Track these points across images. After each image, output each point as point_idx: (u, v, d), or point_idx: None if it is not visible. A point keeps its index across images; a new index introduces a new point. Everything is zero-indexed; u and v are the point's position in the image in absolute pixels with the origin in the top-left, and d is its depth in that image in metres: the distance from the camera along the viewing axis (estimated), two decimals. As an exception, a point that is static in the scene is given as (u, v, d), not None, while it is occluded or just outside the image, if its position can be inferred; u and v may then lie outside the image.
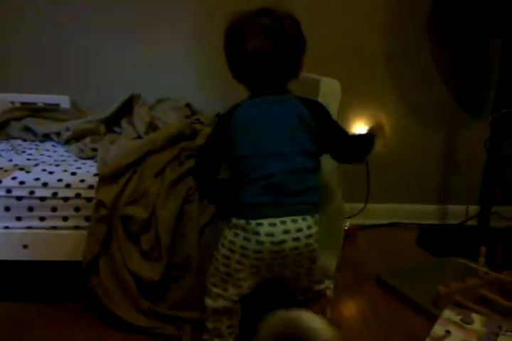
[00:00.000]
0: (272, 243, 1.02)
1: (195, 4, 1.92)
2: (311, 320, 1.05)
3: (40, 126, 1.71)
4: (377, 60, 2.03)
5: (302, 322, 1.04)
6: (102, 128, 1.68)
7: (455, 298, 1.38)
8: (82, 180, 1.31)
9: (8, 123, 1.73)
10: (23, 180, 1.29)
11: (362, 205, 2.11)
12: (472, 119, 2.11)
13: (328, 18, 1.97)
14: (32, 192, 1.28)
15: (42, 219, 1.30)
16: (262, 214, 1.02)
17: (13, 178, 1.29)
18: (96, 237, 1.26)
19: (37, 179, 1.30)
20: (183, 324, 1.25)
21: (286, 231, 1.02)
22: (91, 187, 1.29)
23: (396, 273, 1.61)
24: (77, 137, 1.62)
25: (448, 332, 1.18)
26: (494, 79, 1.97)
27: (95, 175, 1.32)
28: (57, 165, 1.38)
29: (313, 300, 1.16)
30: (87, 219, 1.29)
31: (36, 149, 1.57)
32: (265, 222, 1.02)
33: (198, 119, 1.68)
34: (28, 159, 1.44)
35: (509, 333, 1.18)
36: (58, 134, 1.67)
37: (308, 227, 1.05)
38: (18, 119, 1.74)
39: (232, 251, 1.05)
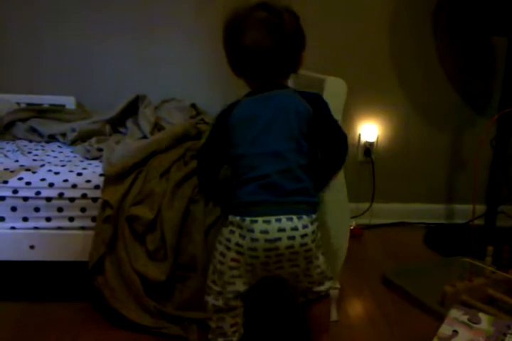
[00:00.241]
0: (266, 240, 1.01)
1: (200, 4, 1.92)
2: None
3: (46, 127, 1.72)
4: (382, 58, 2.03)
5: None
6: (108, 128, 1.68)
7: (462, 297, 1.37)
8: (88, 181, 1.31)
9: (14, 124, 1.74)
10: (29, 180, 1.29)
11: (368, 205, 2.11)
12: (478, 118, 2.10)
13: (334, 17, 1.97)
14: (38, 193, 1.28)
15: (48, 219, 1.30)
16: (258, 212, 1.02)
17: (20, 179, 1.29)
18: (102, 237, 1.26)
19: (43, 179, 1.30)
20: (189, 324, 1.25)
21: (281, 229, 1.01)
22: (97, 187, 1.29)
23: (402, 272, 1.60)
24: (82, 138, 1.62)
25: (455, 331, 1.17)
26: (499, 77, 1.97)
27: (101, 175, 1.33)
28: (63, 166, 1.38)
29: (313, 302, 1.16)
30: (93, 219, 1.30)
31: (42, 150, 1.58)
32: (260, 219, 1.01)
33: (202, 119, 1.68)
34: (34, 160, 1.44)
35: (517, 333, 1.17)
36: (64, 135, 1.67)
37: (304, 227, 1.04)
38: (23, 120, 1.74)
39: (228, 248, 1.05)
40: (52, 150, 1.58)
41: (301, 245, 1.04)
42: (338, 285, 1.32)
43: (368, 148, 2.08)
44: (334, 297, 1.33)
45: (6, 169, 1.33)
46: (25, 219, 1.29)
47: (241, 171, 1.07)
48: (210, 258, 1.13)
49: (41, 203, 1.29)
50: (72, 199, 1.29)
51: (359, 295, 1.52)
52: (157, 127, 1.64)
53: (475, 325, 1.18)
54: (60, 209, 1.29)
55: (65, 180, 1.30)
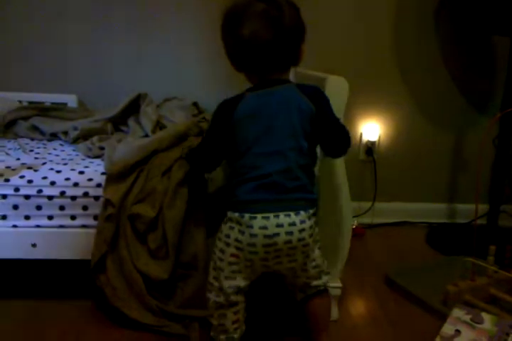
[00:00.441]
0: (265, 236, 1.03)
1: (201, 1, 1.92)
2: None
3: (48, 125, 1.71)
4: (384, 57, 2.02)
5: None
6: (109, 127, 1.67)
7: (464, 297, 1.37)
8: (90, 179, 1.31)
9: (16, 123, 1.74)
10: (31, 178, 1.29)
11: (370, 204, 2.10)
12: (481, 117, 2.09)
13: (336, 16, 1.97)
14: (40, 191, 1.28)
15: (50, 217, 1.30)
16: (257, 209, 1.04)
17: (21, 177, 1.29)
18: (104, 236, 1.26)
19: (45, 178, 1.30)
20: (191, 322, 1.25)
21: (279, 225, 1.03)
22: (99, 185, 1.29)
23: (405, 272, 1.60)
24: (84, 136, 1.62)
25: (458, 331, 1.17)
26: (500, 76, 1.96)
27: (103, 173, 1.32)
28: (65, 164, 1.38)
29: (313, 297, 1.16)
30: (95, 217, 1.29)
31: (44, 148, 1.58)
32: (259, 215, 1.03)
33: (204, 118, 1.68)
34: (36, 158, 1.44)
35: (520, 332, 1.17)
36: (66, 133, 1.67)
37: (302, 222, 1.05)
38: (25, 118, 1.74)
39: (227, 244, 1.07)
40: (54, 149, 1.57)
41: (299, 240, 1.05)
42: (340, 285, 1.32)
43: (370, 147, 2.08)
44: (336, 296, 1.33)
45: (7, 167, 1.33)
46: (27, 218, 1.29)
47: (242, 170, 1.07)
48: (211, 255, 1.14)
49: (43, 201, 1.28)
50: (73, 198, 1.29)
51: (361, 294, 1.52)
52: (159, 125, 1.64)
53: (478, 325, 1.18)
54: (61, 208, 1.29)
55: (67, 179, 1.30)
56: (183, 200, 1.29)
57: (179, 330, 1.24)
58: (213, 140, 1.14)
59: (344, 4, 1.96)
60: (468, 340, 1.15)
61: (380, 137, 2.09)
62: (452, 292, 1.37)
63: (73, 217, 1.30)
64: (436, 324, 1.26)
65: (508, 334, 1.16)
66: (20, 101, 1.87)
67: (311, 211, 1.08)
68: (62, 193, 1.29)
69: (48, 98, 1.91)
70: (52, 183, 1.29)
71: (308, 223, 1.06)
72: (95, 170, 1.35)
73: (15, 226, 1.29)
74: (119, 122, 1.71)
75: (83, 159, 1.45)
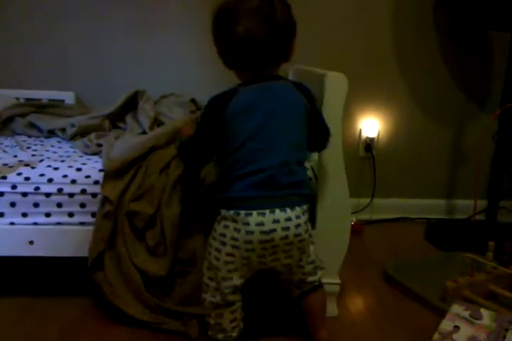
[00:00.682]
0: (262, 232, 1.02)
1: (202, 2, 1.91)
2: None
3: (45, 122, 1.71)
4: (384, 53, 2.02)
5: None
6: (107, 123, 1.67)
7: (463, 293, 1.37)
8: (88, 176, 1.30)
9: (13, 120, 1.73)
10: (28, 176, 1.28)
11: (368, 200, 2.10)
12: (480, 113, 2.09)
13: (335, 12, 1.96)
14: (37, 188, 1.27)
15: (47, 215, 1.29)
16: (252, 205, 1.03)
17: (19, 174, 1.29)
18: (102, 234, 1.25)
19: (42, 175, 1.29)
20: (189, 319, 1.25)
21: (275, 221, 1.03)
22: (96, 182, 1.29)
23: (403, 268, 1.60)
24: (82, 133, 1.61)
25: (457, 327, 1.17)
26: (498, 71, 1.97)
27: (100, 170, 1.32)
28: (63, 161, 1.37)
29: (308, 293, 1.17)
30: (93, 215, 1.29)
31: (41, 145, 1.57)
32: (254, 212, 1.03)
33: (202, 114, 1.67)
34: (33, 155, 1.44)
35: (519, 328, 1.17)
36: (63, 130, 1.66)
37: (297, 217, 1.05)
38: (22, 115, 1.74)
39: (223, 243, 1.06)
40: (52, 146, 1.57)
41: (295, 235, 1.05)
42: (338, 281, 1.32)
43: (369, 143, 2.08)
44: (334, 292, 1.33)
45: (4, 164, 1.32)
46: (24, 215, 1.29)
47: (237, 165, 1.06)
48: (205, 255, 1.13)
49: (40, 199, 1.28)
50: (71, 195, 1.29)
51: (360, 290, 1.51)
52: (156, 122, 1.63)
53: (476, 321, 1.18)
54: (59, 205, 1.29)
55: (65, 176, 1.30)
56: (181, 197, 1.28)
57: (178, 327, 1.23)
58: (204, 136, 1.13)
59: (344, 1, 1.95)
60: (467, 336, 1.15)
61: (379, 133, 2.09)
62: (451, 288, 1.37)
63: (71, 214, 1.30)
64: (435, 320, 1.26)
65: (506, 330, 1.16)
66: (17, 98, 1.86)
67: (305, 206, 1.09)
68: (60, 190, 1.28)
69: (45, 95, 1.91)
70: (50, 180, 1.28)
71: (303, 218, 1.07)
72: (93, 167, 1.34)
73: (12, 223, 1.29)
74: (116, 119, 1.71)
75: (81, 156, 1.45)
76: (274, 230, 1.03)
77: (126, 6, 1.92)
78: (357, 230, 1.94)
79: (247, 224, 1.03)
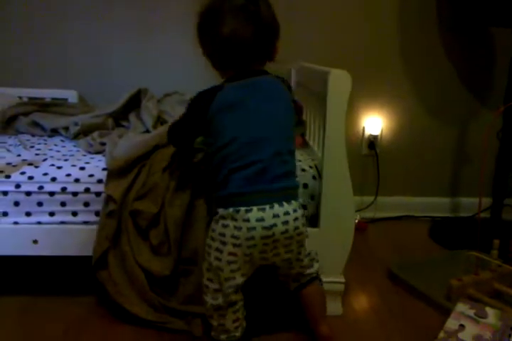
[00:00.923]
0: (263, 228, 1.03)
1: (202, 1, 1.90)
2: None
3: (48, 120, 1.71)
4: (387, 50, 2.01)
5: None
6: (110, 122, 1.67)
7: (468, 291, 1.36)
8: (91, 175, 1.30)
9: (16, 119, 1.73)
10: (31, 175, 1.28)
11: (372, 198, 2.10)
12: (484, 110, 2.08)
13: (338, 9, 1.96)
14: (41, 187, 1.27)
15: (51, 214, 1.29)
16: (251, 201, 1.04)
17: (22, 173, 1.29)
18: (106, 232, 1.25)
19: (45, 174, 1.29)
20: (193, 318, 1.25)
21: (275, 215, 1.04)
22: (100, 181, 1.29)
23: (408, 266, 1.59)
24: (85, 131, 1.61)
25: (462, 326, 1.17)
26: (501, 68, 1.96)
27: (104, 169, 1.31)
28: (66, 160, 1.37)
29: (306, 285, 1.17)
30: (97, 214, 1.29)
31: (45, 144, 1.57)
32: (254, 208, 1.03)
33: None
34: (37, 154, 1.43)
35: (524, 327, 1.16)
36: (66, 129, 1.66)
37: (294, 211, 1.07)
38: (26, 114, 1.74)
39: (223, 243, 1.05)
40: (55, 144, 1.57)
41: (295, 229, 1.07)
42: (342, 280, 1.32)
43: (372, 141, 2.07)
44: (339, 291, 1.32)
45: (8, 163, 1.32)
46: (28, 214, 1.29)
47: (228, 161, 1.07)
48: (204, 257, 1.12)
49: (44, 198, 1.28)
50: (75, 194, 1.28)
51: (364, 289, 1.51)
52: (160, 121, 1.63)
53: (482, 319, 1.18)
54: (63, 204, 1.29)
55: (68, 175, 1.29)
56: (184, 196, 1.28)
57: (182, 326, 1.23)
58: (187, 128, 1.20)
59: (349, 2, 1.95)
60: (473, 335, 1.14)
61: (382, 131, 2.08)
62: (456, 286, 1.36)
63: (74, 213, 1.30)
64: (440, 318, 1.26)
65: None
66: (20, 97, 1.86)
67: (300, 200, 1.11)
68: (64, 189, 1.28)
69: (48, 94, 1.91)
70: (53, 179, 1.28)
71: (299, 212, 1.08)
72: (96, 165, 1.34)
73: (16, 223, 1.29)
74: (120, 117, 1.70)
75: (84, 155, 1.44)
76: (275, 225, 1.04)
77: (127, 5, 1.92)
78: (361, 228, 1.94)
79: (248, 220, 1.03)
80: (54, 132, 1.69)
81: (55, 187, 1.28)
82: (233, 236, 1.04)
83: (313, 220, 1.32)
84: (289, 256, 1.11)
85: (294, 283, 1.18)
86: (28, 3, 1.89)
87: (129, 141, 1.42)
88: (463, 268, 1.45)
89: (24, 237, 1.28)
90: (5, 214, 1.28)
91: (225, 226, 1.05)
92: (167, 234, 1.26)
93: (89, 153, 1.47)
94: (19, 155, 1.41)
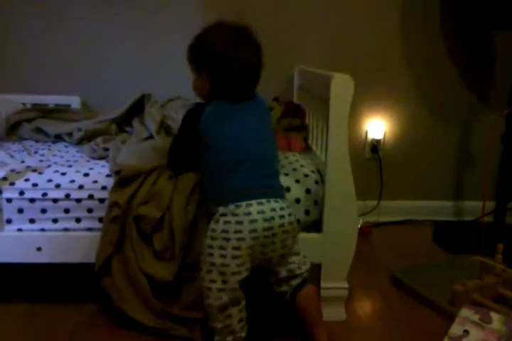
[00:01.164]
0: (264, 220, 1.09)
1: (205, 4, 1.91)
2: None
3: (52, 126, 1.71)
4: (390, 54, 2.01)
5: None
6: (114, 128, 1.67)
7: (472, 296, 1.36)
8: (95, 181, 1.30)
9: (20, 125, 1.74)
10: (35, 182, 1.28)
11: (375, 202, 2.09)
12: (487, 113, 2.08)
13: (342, 13, 1.96)
14: (45, 194, 1.28)
15: (55, 221, 1.29)
16: (250, 196, 1.10)
17: (26, 180, 1.29)
18: (109, 239, 1.25)
19: (50, 180, 1.29)
20: (195, 324, 1.24)
21: (272, 209, 1.11)
22: (104, 188, 1.29)
23: (411, 271, 1.59)
24: (88, 137, 1.62)
25: (466, 331, 1.16)
26: (504, 71, 1.98)
27: (108, 176, 1.32)
28: (70, 166, 1.37)
29: (300, 288, 1.18)
30: (100, 220, 1.29)
31: (48, 150, 1.57)
32: (253, 202, 1.10)
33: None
34: (41, 160, 1.44)
35: (529, 332, 1.16)
36: (70, 135, 1.67)
37: (287, 207, 1.15)
38: (29, 120, 1.74)
39: (227, 239, 1.09)
40: (59, 150, 1.57)
41: (290, 223, 1.14)
42: (346, 285, 1.31)
43: (375, 145, 2.07)
44: (343, 297, 1.32)
45: (12, 170, 1.32)
46: (32, 221, 1.29)
47: (224, 164, 1.15)
48: (203, 259, 1.13)
49: (48, 204, 1.28)
50: (78, 200, 1.29)
51: (368, 294, 1.51)
52: (163, 126, 1.63)
53: (486, 325, 1.17)
54: (66, 211, 1.29)
55: (72, 181, 1.30)
56: (191, 202, 1.28)
57: (184, 333, 1.23)
58: (183, 142, 1.27)
59: (352, 3, 1.95)
60: (477, 340, 1.14)
61: (385, 135, 2.08)
62: (460, 291, 1.36)
63: (78, 220, 1.30)
64: (444, 324, 1.26)
65: (517, 334, 1.15)
66: (23, 104, 1.87)
67: (286, 200, 1.19)
68: (67, 196, 1.28)
69: (51, 100, 1.92)
70: (57, 186, 1.28)
71: (290, 209, 1.16)
72: (100, 172, 1.34)
73: (20, 230, 1.29)
74: (123, 123, 1.71)
75: (88, 161, 1.45)
76: (273, 218, 1.10)
77: (131, 11, 1.92)
78: (364, 233, 1.94)
79: (249, 213, 1.09)
80: (58, 138, 1.70)
81: (59, 194, 1.28)
82: (236, 231, 1.08)
83: (316, 225, 1.32)
84: (284, 252, 1.15)
85: (288, 288, 1.18)
86: (31, 9, 1.90)
87: (134, 147, 1.43)
88: (467, 272, 1.44)
89: (28, 244, 1.28)
90: (9, 221, 1.28)
91: (226, 222, 1.09)
92: (171, 240, 1.26)
93: (93, 158, 1.47)
94: (23, 162, 1.42)
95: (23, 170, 1.33)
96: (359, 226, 1.85)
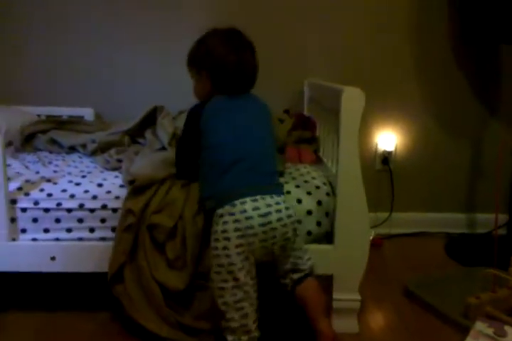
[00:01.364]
0: (260, 216, 1.12)
1: (216, 13, 1.94)
2: None
3: (66, 138, 1.74)
4: (401, 66, 2.03)
5: None
6: (127, 139, 1.69)
7: (486, 309, 1.34)
8: (109, 192, 1.32)
9: (35, 136, 1.76)
10: (50, 192, 1.30)
11: (387, 214, 2.09)
12: (499, 126, 2.07)
13: (353, 25, 1.98)
14: (59, 204, 1.29)
15: (69, 230, 1.31)
16: (244, 194, 1.14)
17: (41, 190, 1.31)
18: (122, 247, 1.26)
19: (64, 190, 1.31)
20: (208, 335, 1.24)
21: (268, 205, 1.14)
22: (117, 198, 1.30)
23: (424, 283, 1.58)
24: (102, 148, 1.64)
25: (480, 345, 1.15)
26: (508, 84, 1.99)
27: (121, 186, 1.33)
28: (84, 177, 1.39)
29: (301, 281, 1.19)
30: (113, 229, 1.30)
31: (63, 160, 1.60)
32: (247, 199, 1.13)
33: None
34: (55, 171, 1.46)
35: (544, 346, 1.14)
36: (84, 146, 1.69)
37: (284, 202, 1.18)
38: (44, 132, 1.77)
39: (228, 239, 1.12)
40: (73, 161, 1.59)
41: (288, 216, 1.16)
42: (358, 297, 1.31)
43: (386, 156, 2.07)
44: (355, 309, 1.31)
45: (27, 181, 1.34)
46: (46, 231, 1.30)
47: (222, 157, 1.18)
48: (210, 263, 1.15)
49: (62, 214, 1.30)
50: (92, 210, 1.30)
51: (380, 306, 1.50)
52: (175, 137, 1.65)
53: (501, 339, 1.16)
54: (80, 220, 1.30)
55: (86, 191, 1.31)
56: (202, 211, 1.28)
57: (195, 344, 1.23)
58: (190, 141, 1.28)
59: (361, 15, 1.97)
60: (491, 354, 1.13)
61: (396, 146, 2.08)
62: (473, 304, 1.34)
63: (92, 230, 1.31)
64: (457, 336, 1.25)
65: (532, 348, 1.13)
66: (38, 115, 1.90)
67: (284, 196, 1.21)
68: (81, 206, 1.30)
69: (65, 111, 1.95)
70: (72, 196, 1.30)
71: (287, 204, 1.18)
72: (113, 182, 1.36)
73: (34, 239, 1.31)
74: (136, 134, 1.73)
75: (101, 172, 1.47)
76: (270, 213, 1.13)
77: (145, 22, 1.95)
78: (376, 245, 1.93)
79: (245, 211, 1.12)
80: (72, 149, 1.72)
81: (73, 204, 1.30)
82: (235, 230, 1.11)
83: (328, 237, 1.32)
84: (286, 244, 1.17)
85: (289, 281, 1.19)
86: (45, 24, 1.94)
87: (147, 158, 1.44)
88: (480, 285, 1.43)
89: (42, 254, 1.30)
90: (23, 230, 1.30)
91: (224, 223, 1.13)
92: (184, 248, 1.26)
93: (106, 169, 1.49)
94: (38, 172, 1.44)
95: (38, 181, 1.35)
96: (371, 238, 1.84)
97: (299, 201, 1.29)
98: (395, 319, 1.43)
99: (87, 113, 1.97)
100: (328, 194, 1.33)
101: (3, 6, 1.93)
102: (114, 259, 1.26)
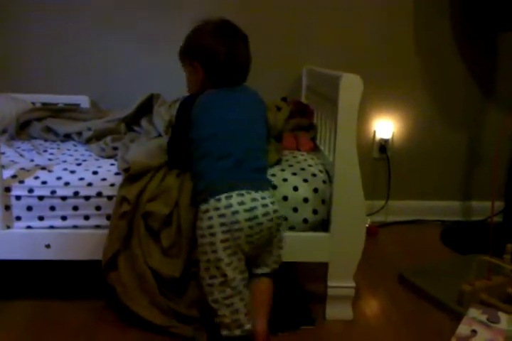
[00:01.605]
0: (245, 210, 1.11)
1: (211, 5, 1.92)
2: None
3: (61, 126, 1.73)
4: (399, 54, 2.01)
5: None
6: (122, 127, 1.68)
7: (480, 296, 1.35)
8: (104, 179, 1.31)
9: (30, 124, 1.75)
10: (45, 179, 1.30)
11: (383, 202, 2.09)
12: (496, 113, 2.07)
13: (353, 15, 1.96)
14: (53, 192, 1.29)
15: (64, 218, 1.30)
16: (229, 188, 1.12)
17: (36, 178, 1.30)
18: (117, 234, 1.26)
19: (59, 178, 1.31)
20: (200, 325, 1.24)
21: (254, 199, 1.13)
22: (112, 185, 1.30)
23: (419, 271, 1.58)
24: (97, 136, 1.63)
25: (474, 331, 1.16)
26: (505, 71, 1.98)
27: (116, 173, 1.33)
28: (79, 165, 1.38)
29: (259, 278, 1.20)
30: (108, 217, 1.29)
31: (58, 149, 1.59)
32: (233, 194, 1.12)
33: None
34: (50, 159, 1.45)
35: (537, 332, 1.15)
36: (79, 134, 1.68)
37: (269, 196, 1.17)
38: (39, 120, 1.76)
39: (213, 234, 1.11)
40: (68, 149, 1.58)
41: (274, 211, 1.15)
42: (353, 284, 1.31)
43: (383, 144, 2.06)
44: (349, 296, 1.32)
45: (22, 169, 1.34)
46: (40, 218, 1.30)
47: (209, 150, 1.18)
48: (200, 260, 1.15)
49: (57, 202, 1.29)
50: (87, 198, 1.29)
51: (375, 293, 1.51)
52: (171, 125, 1.64)
53: (494, 325, 1.17)
54: (75, 208, 1.30)
55: (81, 179, 1.31)
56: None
57: (187, 332, 1.24)
58: (181, 131, 1.27)
59: (361, 2, 1.95)
60: (485, 340, 1.13)
61: (393, 134, 2.07)
62: (468, 291, 1.35)
63: (86, 217, 1.31)
64: (452, 323, 1.25)
65: (525, 335, 1.14)
66: (33, 103, 1.88)
67: (270, 191, 1.20)
68: (76, 193, 1.29)
69: (60, 99, 1.94)
70: (66, 184, 1.30)
71: (273, 199, 1.18)
72: (108, 170, 1.35)
73: (29, 227, 1.30)
74: (132, 122, 1.72)
75: (97, 159, 1.46)
76: (256, 207, 1.12)
77: (139, 11, 1.93)
78: (372, 232, 1.93)
79: (230, 206, 1.11)
80: (67, 137, 1.71)
81: (68, 192, 1.29)
82: (220, 225, 1.11)
83: (324, 225, 1.32)
84: (270, 238, 1.17)
85: (266, 268, 1.21)
86: (40, 9, 1.91)
87: (143, 146, 1.44)
88: (475, 272, 1.43)
89: (37, 242, 1.30)
90: (18, 218, 1.30)
91: (210, 218, 1.12)
92: (179, 236, 1.26)
93: (102, 157, 1.48)
94: (32, 160, 1.43)
95: (32, 168, 1.34)
96: (367, 225, 1.84)
97: (296, 188, 1.29)
98: (389, 306, 1.44)
99: (83, 101, 1.96)
100: (324, 181, 1.32)
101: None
102: (108, 247, 1.26)
